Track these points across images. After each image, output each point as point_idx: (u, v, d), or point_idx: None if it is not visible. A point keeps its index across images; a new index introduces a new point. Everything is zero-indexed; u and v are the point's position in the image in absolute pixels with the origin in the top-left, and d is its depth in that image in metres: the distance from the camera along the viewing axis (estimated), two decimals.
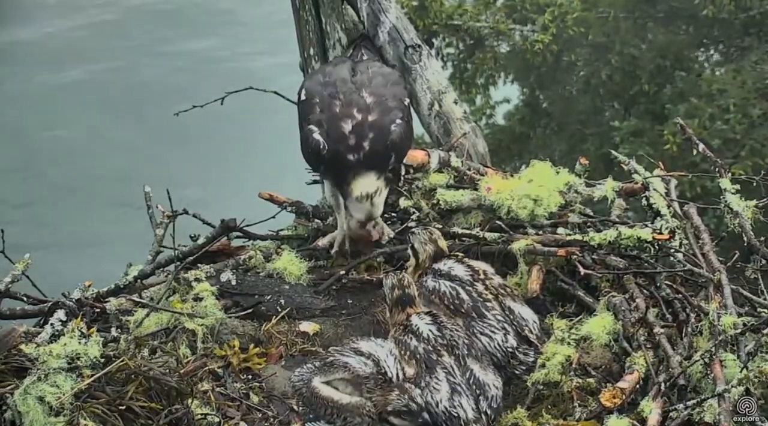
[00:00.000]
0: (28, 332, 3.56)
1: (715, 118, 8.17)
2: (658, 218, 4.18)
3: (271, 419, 3.66)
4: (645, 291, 3.90)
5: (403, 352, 3.55)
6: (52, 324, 3.62)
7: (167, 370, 3.50)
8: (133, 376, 3.37)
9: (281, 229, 4.57)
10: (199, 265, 4.22)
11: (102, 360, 3.35)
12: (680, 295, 3.82)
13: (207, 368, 3.76)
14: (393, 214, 4.56)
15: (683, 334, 3.60)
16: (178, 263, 4.19)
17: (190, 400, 3.43)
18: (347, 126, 4.13)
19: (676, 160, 7.71)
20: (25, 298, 4.04)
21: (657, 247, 4.04)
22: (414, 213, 4.48)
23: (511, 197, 4.33)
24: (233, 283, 4.20)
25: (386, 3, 5.34)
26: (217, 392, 3.71)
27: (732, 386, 3.15)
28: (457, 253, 4.10)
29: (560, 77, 9.90)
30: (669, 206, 4.24)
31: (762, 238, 3.85)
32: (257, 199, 4.56)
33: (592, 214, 4.47)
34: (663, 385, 3.34)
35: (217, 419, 3.50)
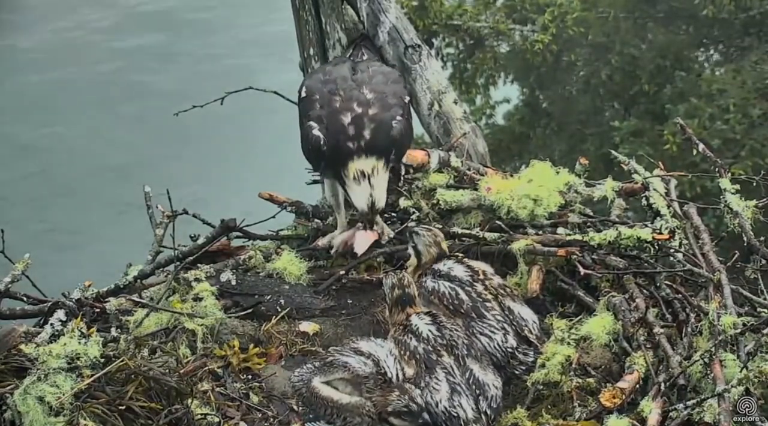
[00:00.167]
0: (28, 332, 3.55)
1: (715, 118, 8.17)
2: (658, 218, 4.18)
3: (271, 419, 3.65)
4: (645, 291, 3.89)
5: (402, 352, 3.54)
6: (52, 324, 3.61)
7: (167, 370, 3.49)
8: (133, 376, 3.36)
9: (281, 229, 4.56)
10: (199, 265, 4.21)
11: (102, 360, 3.35)
12: (680, 295, 3.81)
13: (207, 368, 3.76)
14: (393, 214, 4.56)
15: (683, 334, 3.59)
16: (178, 263, 4.18)
17: (189, 400, 3.42)
18: (347, 118, 4.10)
19: (676, 160, 7.71)
20: (25, 298, 4.03)
21: (657, 247, 4.03)
22: (414, 213, 4.48)
23: (511, 197, 4.33)
24: (233, 283, 4.19)
25: (386, 3, 5.33)
26: (217, 392, 3.70)
27: (732, 386, 3.14)
28: (457, 253, 4.09)
29: (560, 77, 9.91)
30: (669, 206, 4.23)
31: (762, 238, 3.84)
32: (257, 199, 4.56)
33: (592, 214, 4.46)
34: (663, 385, 3.33)
35: (217, 419, 3.49)
